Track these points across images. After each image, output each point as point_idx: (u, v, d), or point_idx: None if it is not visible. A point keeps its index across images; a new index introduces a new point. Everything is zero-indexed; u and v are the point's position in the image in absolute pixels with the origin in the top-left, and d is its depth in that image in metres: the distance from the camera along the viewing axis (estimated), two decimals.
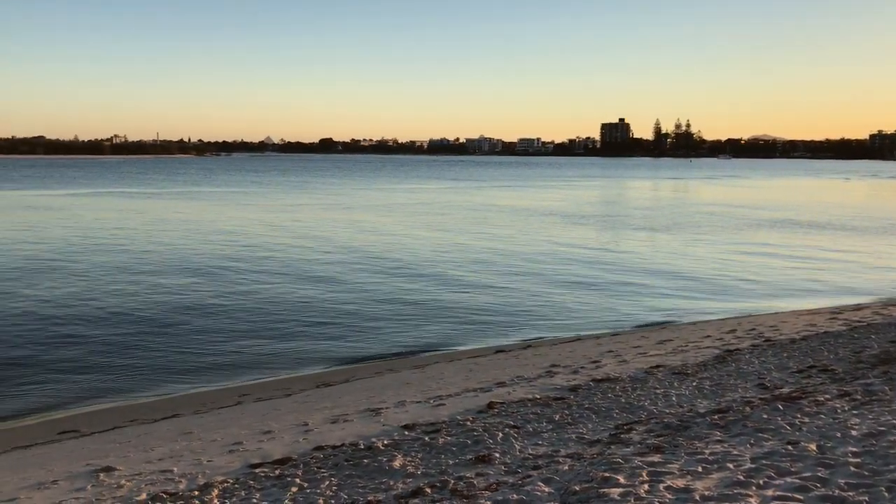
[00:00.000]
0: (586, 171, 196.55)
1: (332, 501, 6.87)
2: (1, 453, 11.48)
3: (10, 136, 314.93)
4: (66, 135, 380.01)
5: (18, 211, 58.42)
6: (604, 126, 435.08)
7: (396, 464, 7.79)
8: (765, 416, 8.05)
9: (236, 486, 7.62)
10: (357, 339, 19.48)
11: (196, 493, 7.47)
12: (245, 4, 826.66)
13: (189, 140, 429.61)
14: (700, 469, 6.40)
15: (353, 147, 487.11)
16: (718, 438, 7.41)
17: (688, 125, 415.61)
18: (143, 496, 7.54)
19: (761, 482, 5.90)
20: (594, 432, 8.50)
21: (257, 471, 8.14)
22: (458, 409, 10.46)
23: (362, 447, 8.67)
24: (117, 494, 7.74)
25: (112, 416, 13.75)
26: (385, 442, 8.81)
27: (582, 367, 13.30)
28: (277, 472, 8.00)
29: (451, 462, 7.74)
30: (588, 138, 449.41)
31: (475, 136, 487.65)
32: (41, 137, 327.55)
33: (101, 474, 8.66)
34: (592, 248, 38.50)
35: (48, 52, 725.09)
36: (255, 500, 7.10)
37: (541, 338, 19.53)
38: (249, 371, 16.89)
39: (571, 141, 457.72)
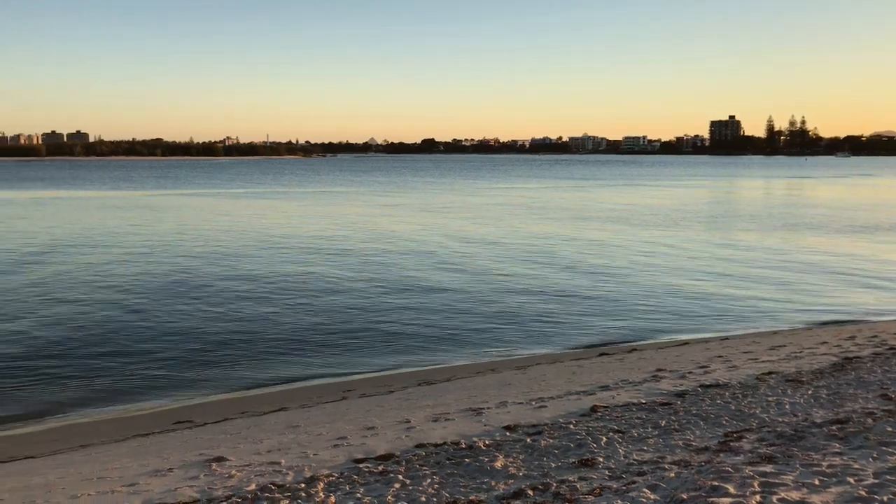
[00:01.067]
0: (695, 169, 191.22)
1: (434, 499, 6.91)
2: (122, 440, 12.11)
3: (131, 139, 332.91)
4: (182, 137, 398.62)
5: (135, 210, 61.59)
6: (713, 123, 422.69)
7: (498, 464, 7.76)
8: (889, 430, 7.60)
9: (341, 480, 7.75)
10: (458, 339, 19.55)
11: (302, 485, 7.64)
12: (349, 10, 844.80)
13: (297, 142, 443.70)
14: (817, 482, 6.10)
15: (455, 147, 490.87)
16: (837, 451, 7.05)
17: (803, 122, 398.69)
18: (253, 486, 7.77)
19: (885, 499, 5.57)
20: (702, 439, 8.23)
21: (361, 466, 8.26)
22: (561, 411, 10.33)
23: (464, 446, 8.67)
24: (228, 484, 8.00)
25: (223, 407, 14.28)
26: (486, 442, 8.79)
27: (689, 372, 12.91)
28: (381, 467, 8.09)
29: (553, 465, 7.65)
30: (696, 136, 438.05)
31: (578, 134, 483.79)
32: (159, 140, 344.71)
33: (213, 464, 8.99)
34: (700, 248, 37.38)
35: (166, 59, 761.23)
36: (358, 495, 7.20)
37: (646, 341, 19.15)
38: (354, 366, 17.22)
39: (679, 139, 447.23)
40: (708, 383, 11.63)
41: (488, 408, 11.07)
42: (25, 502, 8.15)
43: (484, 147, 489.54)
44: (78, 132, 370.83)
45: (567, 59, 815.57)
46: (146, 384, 15.96)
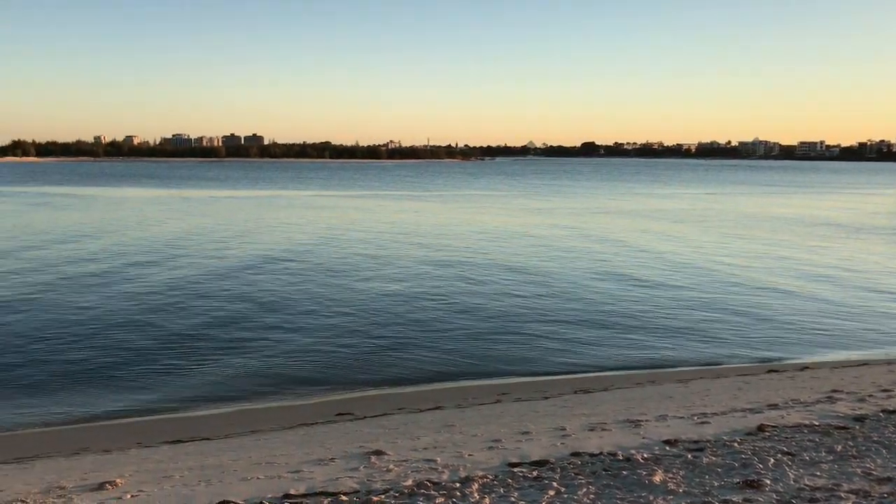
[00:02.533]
0: (879, 178, 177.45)
1: None
2: (289, 428, 12.75)
3: (301, 142, 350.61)
4: (348, 140, 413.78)
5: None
6: None
7: (656, 479, 7.52)
8: None
9: (495, 482, 7.77)
10: (616, 347, 19.15)
11: (458, 484, 7.72)
12: (501, 15, 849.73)
13: (456, 145, 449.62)
14: None
15: (616, 150, 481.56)
16: None
17: None
18: (410, 482, 7.94)
19: None
20: (885, 469, 7.61)
21: (515, 470, 8.25)
22: (724, 428, 9.87)
23: (621, 458, 8.47)
24: (386, 478, 8.22)
25: (382, 402, 14.73)
26: (645, 455, 8.53)
27: (870, 396, 11.97)
28: (535, 473, 8.04)
29: (715, 484, 7.32)
30: (882, 141, 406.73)
31: (749, 138, 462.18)
32: (327, 143, 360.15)
33: (373, 457, 9.26)
34: (881, 262, 34.64)
35: (334, 68, 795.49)
36: (512, 499, 7.19)
37: (820, 358, 17.99)
38: (507, 370, 17.27)
39: (862, 144, 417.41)
40: (891, 409, 10.74)
41: (647, 420, 10.75)
42: (202, 481, 8.73)
43: (647, 151, 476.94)
44: (254, 135, 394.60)
45: (738, 57, 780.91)
46: (311, 376, 16.74)
